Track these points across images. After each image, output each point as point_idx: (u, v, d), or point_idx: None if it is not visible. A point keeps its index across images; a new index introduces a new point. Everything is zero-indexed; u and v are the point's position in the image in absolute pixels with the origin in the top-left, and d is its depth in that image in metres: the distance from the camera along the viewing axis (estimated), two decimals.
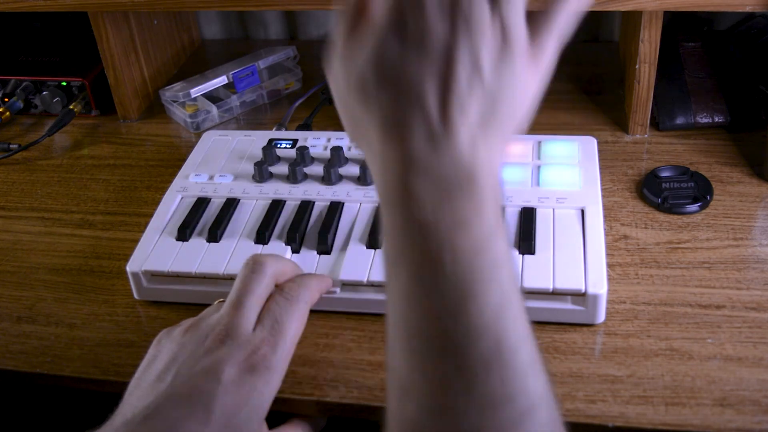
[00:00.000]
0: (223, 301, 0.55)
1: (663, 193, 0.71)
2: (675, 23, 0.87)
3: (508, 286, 0.41)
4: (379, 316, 0.61)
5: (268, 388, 0.51)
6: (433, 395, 0.40)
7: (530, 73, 0.43)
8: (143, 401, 0.50)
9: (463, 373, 0.39)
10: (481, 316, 0.39)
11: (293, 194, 0.71)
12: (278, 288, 0.57)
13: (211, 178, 0.74)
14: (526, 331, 0.41)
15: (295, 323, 0.54)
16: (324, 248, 0.65)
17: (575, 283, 0.59)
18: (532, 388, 0.40)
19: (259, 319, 0.54)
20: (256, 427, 0.51)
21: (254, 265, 0.56)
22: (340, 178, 0.72)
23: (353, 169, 0.73)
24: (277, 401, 0.53)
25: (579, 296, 0.59)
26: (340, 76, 0.45)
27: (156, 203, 0.72)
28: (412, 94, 0.41)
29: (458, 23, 0.41)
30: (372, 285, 0.61)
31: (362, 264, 0.62)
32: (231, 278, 0.59)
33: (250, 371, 0.50)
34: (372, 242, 0.64)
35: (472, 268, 0.40)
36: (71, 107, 0.92)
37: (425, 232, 0.40)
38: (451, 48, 0.41)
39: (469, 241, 0.40)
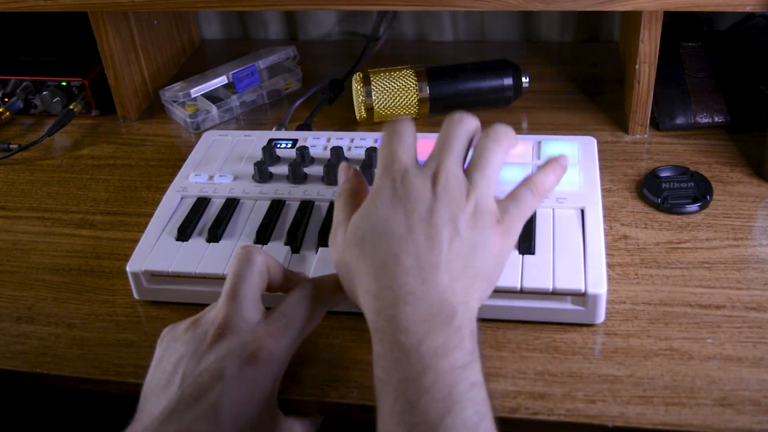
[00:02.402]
0: None
1: (663, 193, 0.71)
2: (675, 23, 0.87)
3: (482, 404, 0.46)
4: None
5: (270, 379, 0.51)
6: None
7: (499, 240, 0.52)
8: (158, 407, 0.50)
9: None
10: (457, 428, 0.44)
11: (293, 194, 0.71)
12: (301, 285, 0.56)
13: (211, 178, 0.74)
14: None
15: (304, 319, 0.54)
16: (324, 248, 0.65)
17: (575, 283, 0.59)
18: None
19: (269, 311, 0.54)
20: (267, 418, 0.51)
21: (244, 255, 0.56)
22: None
23: None
24: (278, 401, 0.53)
25: (579, 296, 0.59)
26: (340, 239, 0.54)
27: (156, 203, 0.72)
28: (402, 241, 0.50)
29: (439, 193, 0.51)
30: None
31: None
32: None
33: (249, 363, 0.50)
34: None
35: (451, 387, 0.45)
36: (71, 107, 0.92)
37: (410, 355, 0.46)
38: (433, 210, 0.51)
39: (450, 365, 0.46)
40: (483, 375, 0.47)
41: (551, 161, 0.57)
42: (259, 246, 0.65)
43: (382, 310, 0.49)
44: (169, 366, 0.52)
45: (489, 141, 0.55)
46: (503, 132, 0.55)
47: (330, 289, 0.57)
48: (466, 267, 0.50)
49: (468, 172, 0.54)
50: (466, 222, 0.51)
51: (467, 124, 0.56)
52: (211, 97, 0.93)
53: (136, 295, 0.66)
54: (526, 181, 0.55)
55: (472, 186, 0.52)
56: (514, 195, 0.54)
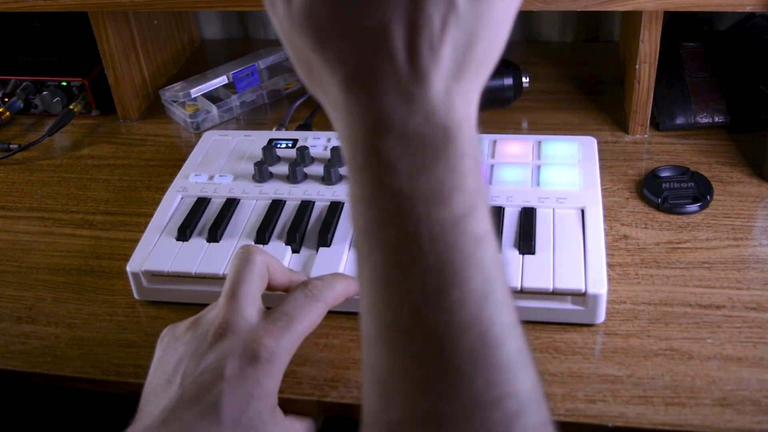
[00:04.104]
0: None
1: (663, 193, 0.71)
2: (675, 23, 0.87)
3: (492, 265, 0.37)
4: None
5: (271, 378, 0.51)
6: (417, 400, 0.37)
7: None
8: (158, 407, 0.50)
9: (447, 374, 0.36)
10: (464, 305, 0.36)
11: (293, 194, 0.71)
12: (302, 284, 0.56)
13: (211, 178, 0.74)
14: (511, 317, 0.38)
15: (306, 319, 0.54)
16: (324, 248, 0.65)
17: (575, 283, 0.59)
18: (520, 386, 0.37)
19: (270, 311, 0.54)
20: (267, 417, 0.51)
21: (244, 254, 0.56)
22: (340, 178, 0.72)
23: None
24: (278, 401, 0.53)
25: (579, 296, 0.59)
26: (282, 8, 0.37)
27: (156, 203, 0.72)
28: (377, 39, 0.34)
29: None
30: None
31: None
32: None
33: (250, 362, 0.50)
34: None
35: (453, 246, 0.36)
36: (71, 107, 0.92)
37: (399, 204, 0.36)
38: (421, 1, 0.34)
39: (449, 216, 0.36)
40: (489, 221, 0.38)
41: None
42: (259, 245, 0.65)
43: (359, 139, 0.36)
44: (169, 366, 0.52)
45: None
46: None
47: (331, 288, 0.56)
48: (466, 61, 0.36)
49: None
50: None
51: None
52: (211, 97, 0.93)
53: (136, 295, 0.66)
54: None
55: None
56: None
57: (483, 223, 0.37)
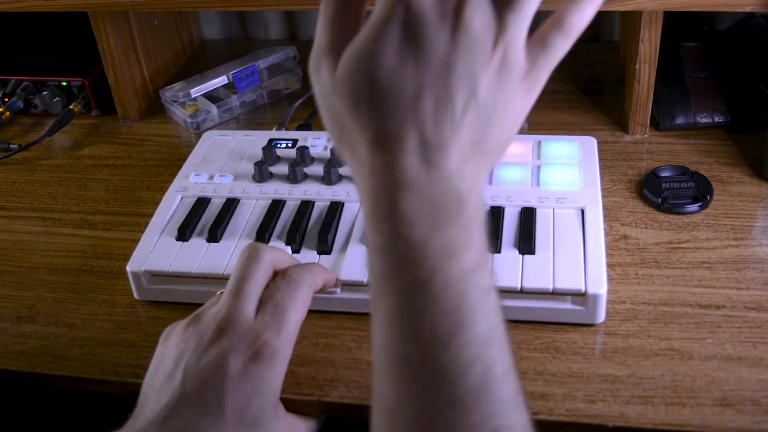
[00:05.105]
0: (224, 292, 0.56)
1: (663, 193, 0.71)
2: (675, 23, 0.87)
3: (495, 315, 0.41)
4: None
5: (274, 374, 0.51)
6: (424, 427, 0.40)
7: (522, 99, 0.43)
8: (159, 403, 0.50)
9: (452, 405, 0.39)
10: (470, 345, 0.39)
11: (293, 194, 0.71)
12: (280, 273, 0.57)
13: (211, 178, 0.74)
14: (510, 362, 0.41)
15: (297, 306, 0.54)
16: (324, 248, 0.65)
17: (575, 283, 0.59)
18: (517, 421, 0.40)
19: (261, 304, 0.54)
20: (270, 413, 0.51)
21: (251, 252, 0.56)
22: (340, 178, 0.72)
23: None
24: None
25: (579, 296, 0.59)
26: (326, 77, 0.43)
27: (156, 203, 0.72)
28: (408, 108, 0.40)
29: (459, 38, 0.40)
30: None
31: (362, 264, 0.62)
32: None
33: (254, 359, 0.50)
34: None
35: (462, 295, 0.40)
36: (71, 107, 0.92)
37: (415, 254, 0.40)
38: (450, 65, 0.40)
39: (459, 268, 0.40)
40: (492, 277, 0.42)
41: None
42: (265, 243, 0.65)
43: (381, 194, 0.41)
44: (169, 362, 0.52)
45: None
46: None
47: (309, 271, 0.57)
48: (480, 141, 0.41)
49: (497, 7, 0.41)
50: (489, 80, 0.40)
51: None
52: (211, 97, 0.93)
53: (136, 295, 0.66)
54: (556, 21, 0.44)
55: (501, 28, 0.40)
56: (542, 40, 0.43)
57: (488, 278, 0.41)
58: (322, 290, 0.60)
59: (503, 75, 0.41)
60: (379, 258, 0.41)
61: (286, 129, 0.87)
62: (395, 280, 0.40)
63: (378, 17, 0.41)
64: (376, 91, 0.40)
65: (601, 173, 0.71)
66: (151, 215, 0.70)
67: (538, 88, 0.43)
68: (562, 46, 0.44)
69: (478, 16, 0.40)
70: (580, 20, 0.45)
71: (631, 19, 0.83)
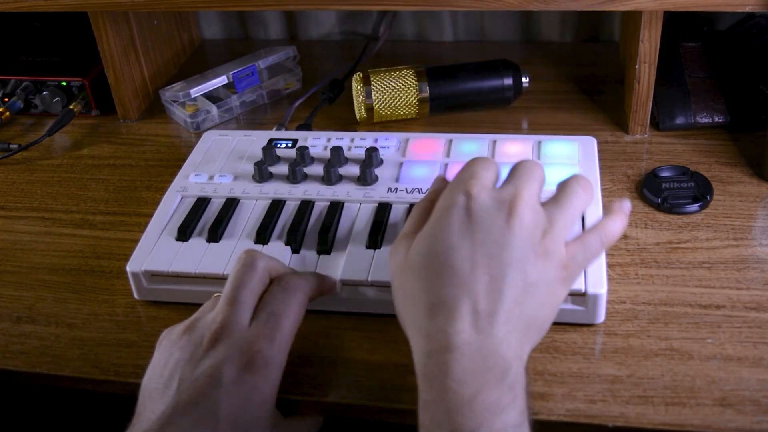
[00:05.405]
0: (220, 296, 0.55)
1: (663, 193, 0.71)
2: (675, 23, 0.87)
3: None
4: (379, 317, 0.61)
5: (268, 383, 0.51)
6: None
7: (561, 288, 0.50)
8: (155, 412, 0.50)
9: None
10: None
11: (293, 194, 0.71)
12: (276, 280, 0.57)
13: (211, 178, 0.74)
14: None
15: (291, 313, 0.54)
16: (324, 248, 0.65)
17: (575, 283, 0.59)
18: None
19: (256, 312, 0.54)
20: (265, 421, 0.51)
21: (247, 259, 0.56)
22: (340, 178, 0.72)
23: (353, 169, 0.73)
24: (277, 401, 0.53)
25: (579, 296, 0.59)
26: (401, 256, 0.51)
27: (156, 203, 0.72)
28: (464, 280, 0.47)
29: (514, 224, 0.48)
30: (372, 285, 0.61)
31: (362, 264, 0.62)
32: None
33: (247, 369, 0.50)
34: (372, 242, 0.64)
35: None
36: (71, 107, 0.92)
37: (462, 409, 0.44)
38: (504, 246, 0.47)
39: (503, 423, 0.44)
40: None
41: (617, 207, 0.54)
42: (260, 251, 0.65)
43: (433, 353, 0.46)
44: (165, 371, 0.52)
45: (576, 184, 0.53)
46: (588, 182, 0.53)
47: (305, 279, 0.57)
48: (525, 317, 0.47)
49: (547, 206, 0.50)
50: (536, 263, 0.48)
51: (541, 168, 0.53)
52: (211, 97, 0.93)
53: (136, 295, 0.66)
54: (596, 228, 0.52)
55: (549, 223, 0.49)
56: (583, 241, 0.51)
57: None
58: (321, 296, 0.60)
59: (548, 262, 0.48)
60: (428, 412, 0.46)
61: (286, 129, 0.87)
62: (442, 429, 0.44)
63: (444, 204, 0.50)
64: (437, 263, 0.48)
65: (601, 173, 0.71)
66: (151, 215, 0.70)
67: (573, 279, 0.51)
68: (597, 249, 0.52)
69: (530, 210, 0.48)
70: (614, 230, 0.52)
71: (631, 19, 0.83)
